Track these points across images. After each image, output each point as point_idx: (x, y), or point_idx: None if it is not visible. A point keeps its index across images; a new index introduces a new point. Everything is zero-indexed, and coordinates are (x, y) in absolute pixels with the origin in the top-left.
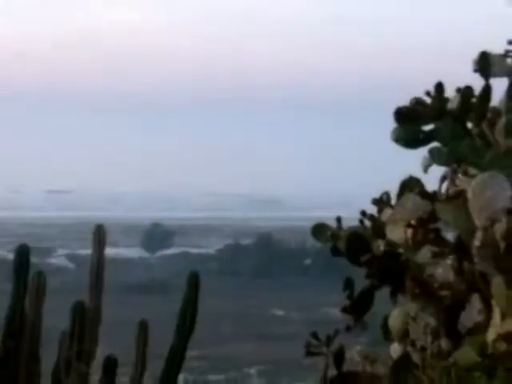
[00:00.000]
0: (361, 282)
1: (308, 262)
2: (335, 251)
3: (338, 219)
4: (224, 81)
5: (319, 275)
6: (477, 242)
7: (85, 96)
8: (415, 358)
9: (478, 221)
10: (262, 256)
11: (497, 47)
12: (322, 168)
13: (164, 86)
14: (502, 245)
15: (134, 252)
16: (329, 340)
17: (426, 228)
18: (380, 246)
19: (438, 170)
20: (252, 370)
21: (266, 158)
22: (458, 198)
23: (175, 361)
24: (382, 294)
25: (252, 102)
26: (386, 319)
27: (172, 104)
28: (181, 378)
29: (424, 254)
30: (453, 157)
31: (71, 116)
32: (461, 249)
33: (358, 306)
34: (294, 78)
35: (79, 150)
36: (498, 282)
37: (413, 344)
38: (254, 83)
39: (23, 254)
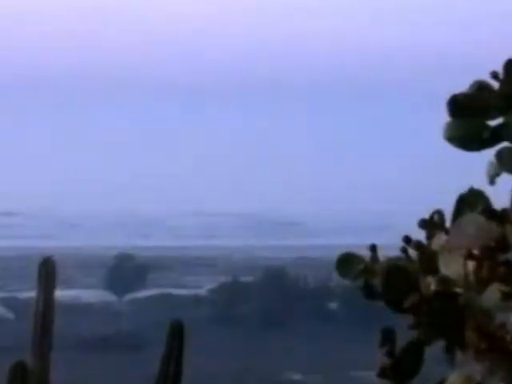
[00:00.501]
0: (404, 333)
1: (333, 306)
2: (369, 292)
3: (373, 248)
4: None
5: (348, 324)
6: None
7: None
8: None
9: None
10: (270, 299)
11: None
12: (351, 179)
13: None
14: None
15: (95, 295)
16: None
17: (493, 259)
18: (430, 284)
19: (508, 180)
20: None
21: (277, 165)
22: None
23: None
24: (434, 351)
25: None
26: None
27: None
28: None
29: (491, 295)
30: None
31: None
32: None
33: (402, 368)
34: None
35: (25, 162)
36: None
37: None
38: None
39: None
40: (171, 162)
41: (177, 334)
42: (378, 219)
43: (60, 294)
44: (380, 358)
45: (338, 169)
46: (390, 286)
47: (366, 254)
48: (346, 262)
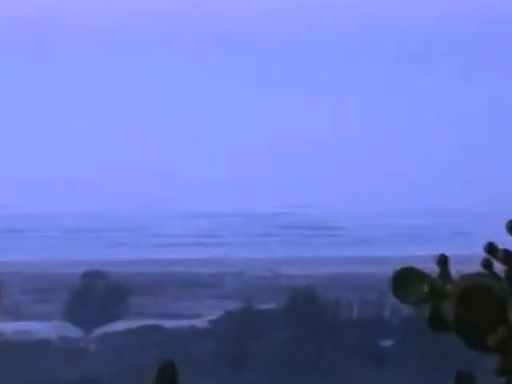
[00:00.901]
0: (487, 380)
1: (388, 342)
2: (438, 322)
3: (443, 260)
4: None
5: (407, 369)
6: None
7: None
8: None
9: None
10: (297, 334)
11: None
12: (403, 166)
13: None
14: None
15: (52, 328)
16: None
17: None
18: None
19: None
20: None
21: (302, 146)
22: None
23: None
24: None
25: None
26: None
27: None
28: None
29: None
30: None
31: None
32: None
33: None
34: None
35: None
36: None
37: None
38: None
39: None
40: (161, 148)
41: (168, 380)
42: (445, 222)
43: (4, 326)
44: None
45: (381, 159)
46: (468, 315)
47: (432, 268)
48: (405, 282)
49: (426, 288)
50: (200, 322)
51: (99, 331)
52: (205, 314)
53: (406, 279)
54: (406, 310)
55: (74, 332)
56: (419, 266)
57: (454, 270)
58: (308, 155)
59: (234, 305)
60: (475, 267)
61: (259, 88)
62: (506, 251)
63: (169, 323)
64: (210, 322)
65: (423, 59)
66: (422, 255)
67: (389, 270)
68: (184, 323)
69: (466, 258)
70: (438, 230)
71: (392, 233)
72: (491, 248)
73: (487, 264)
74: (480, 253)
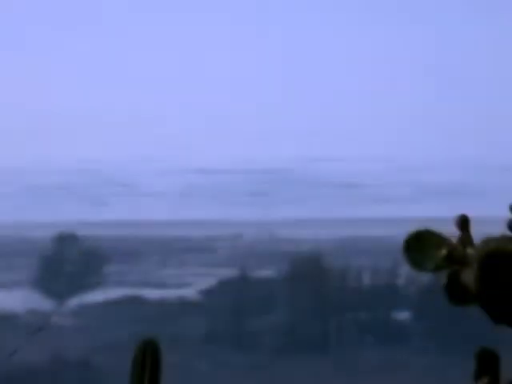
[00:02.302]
0: None
1: (402, 316)
2: (457, 291)
3: (464, 221)
4: None
5: (424, 344)
6: None
7: None
8: None
9: None
10: (301, 305)
11: None
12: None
13: None
14: None
15: (19, 299)
16: None
17: None
18: None
19: None
20: None
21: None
22: None
23: None
24: None
25: None
26: None
27: None
28: None
29: None
30: None
31: None
32: None
33: None
34: None
35: None
36: None
37: None
38: None
39: None
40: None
41: (149, 360)
42: (464, 179)
43: None
44: None
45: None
46: (492, 283)
47: (451, 231)
48: (421, 245)
49: (443, 253)
50: (189, 293)
51: (73, 303)
52: (195, 283)
53: (421, 242)
54: (424, 277)
55: (44, 304)
56: (436, 229)
57: (476, 232)
58: (322, 106)
59: (229, 273)
60: (499, 230)
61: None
62: None
63: (152, 294)
64: (201, 292)
65: None
66: (439, 216)
67: (404, 233)
68: (170, 294)
69: (488, 219)
70: (458, 186)
71: (410, 191)
72: None
73: None
74: (503, 214)
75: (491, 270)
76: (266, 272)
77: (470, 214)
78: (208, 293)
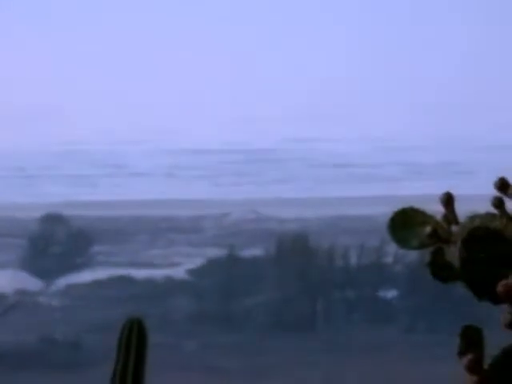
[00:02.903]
0: (497, 334)
1: (389, 294)
2: (441, 268)
3: (448, 199)
4: None
5: (412, 322)
6: None
7: None
8: None
9: None
10: (288, 284)
11: None
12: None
13: None
14: None
15: (6, 279)
16: None
17: None
18: None
19: None
20: None
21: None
22: None
23: None
24: None
25: None
26: None
27: None
28: None
29: None
30: None
31: None
32: None
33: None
34: None
35: None
36: None
37: None
38: None
39: None
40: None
41: (135, 339)
42: (451, 158)
43: None
44: (462, 368)
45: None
46: (476, 260)
47: (436, 209)
48: (406, 223)
49: (428, 230)
50: (177, 273)
51: (60, 283)
52: (183, 263)
53: (406, 220)
54: (410, 255)
55: (31, 284)
56: (422, 207)
57: (461, 210)
58: (311, 90)
59: (217, 252)
60: (484, 207)
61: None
62: None
63: (139, 273)
64: (189, 271)
65: None
66: (429, 194)
67: (390, 211)
68: (157, 273)
69: (473, 197)
70: (446, 164)
71: (397, 169)
72: (502, 184)
73: (498, 203)
74: (488, 191)
75: (475, 246)
76: (253, 251)
77: (456, 192)
78: (194, 272)
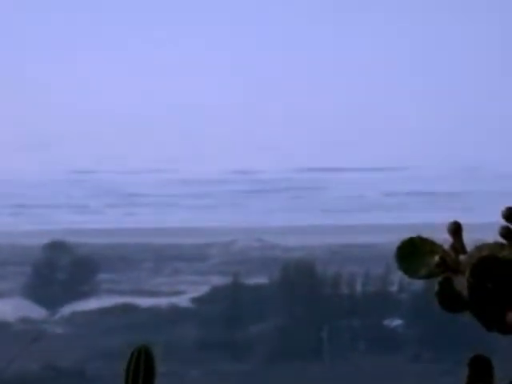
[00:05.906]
0: (508, 365)
1: (395, 323)
2: (449, 298)
3: (456, 228)
4: None
5: (418, 351)
6: None
7: None
8: None
9: None
10: (294, 312)
11: None
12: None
13: None
14: None
15: (10, 307)
16: None
17: None
18: None
19: None
20: None
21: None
22: None
23: None
24: None
25: None
26: None
27: None
28: None
29: None
30: None
31: None
32: None
33: None
34: None
35: None
36: None
37: None
38: None
39: None
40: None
41: (143, 367)
42: (459, 187)
43: None
44: None
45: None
46: (485, 290)
47: (444, 238)
48: (413, 252)
49: (436, 259)
50: (182, 301)
51: (65, 311)
52: (187, 291)
53: (414, 250)
54: (416, 284)
55: (34, 312)
56: (429, 235)
57: (469, 238)
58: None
59: (222, 280)
60: (492, 237)
61: None
62: None
63: (144, 302)
64: (193, 300)
65: None
66: (436, 223)
67: (397, 240)
68: (162, 302)
69: (481, 226)
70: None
71: (400, 200)
72: (511, 214)
73: (506, 233)
74: (496, 220)
75: (483, 276)
76: (258, 279)
77: (463, 221)
78: (200, 300)
